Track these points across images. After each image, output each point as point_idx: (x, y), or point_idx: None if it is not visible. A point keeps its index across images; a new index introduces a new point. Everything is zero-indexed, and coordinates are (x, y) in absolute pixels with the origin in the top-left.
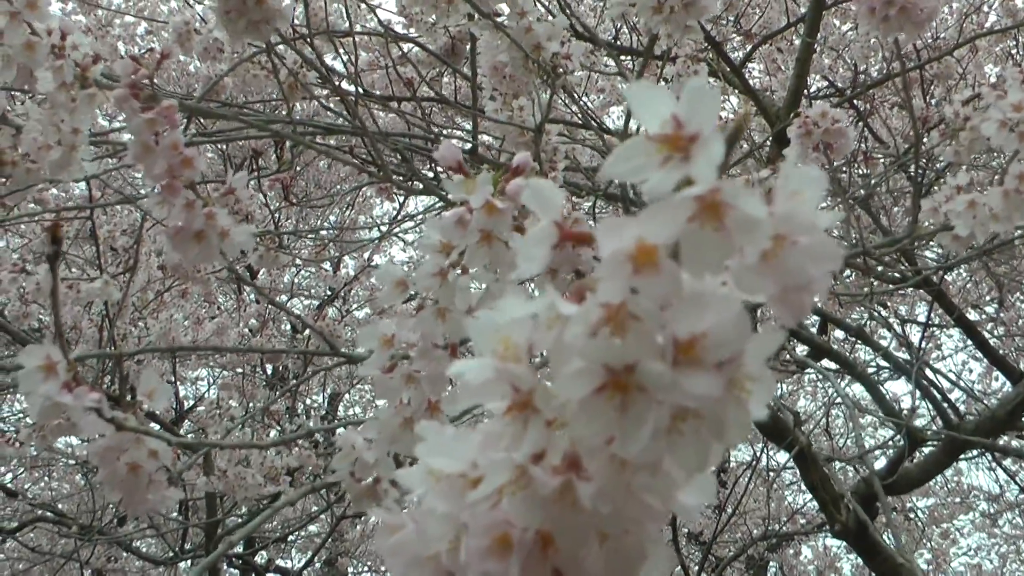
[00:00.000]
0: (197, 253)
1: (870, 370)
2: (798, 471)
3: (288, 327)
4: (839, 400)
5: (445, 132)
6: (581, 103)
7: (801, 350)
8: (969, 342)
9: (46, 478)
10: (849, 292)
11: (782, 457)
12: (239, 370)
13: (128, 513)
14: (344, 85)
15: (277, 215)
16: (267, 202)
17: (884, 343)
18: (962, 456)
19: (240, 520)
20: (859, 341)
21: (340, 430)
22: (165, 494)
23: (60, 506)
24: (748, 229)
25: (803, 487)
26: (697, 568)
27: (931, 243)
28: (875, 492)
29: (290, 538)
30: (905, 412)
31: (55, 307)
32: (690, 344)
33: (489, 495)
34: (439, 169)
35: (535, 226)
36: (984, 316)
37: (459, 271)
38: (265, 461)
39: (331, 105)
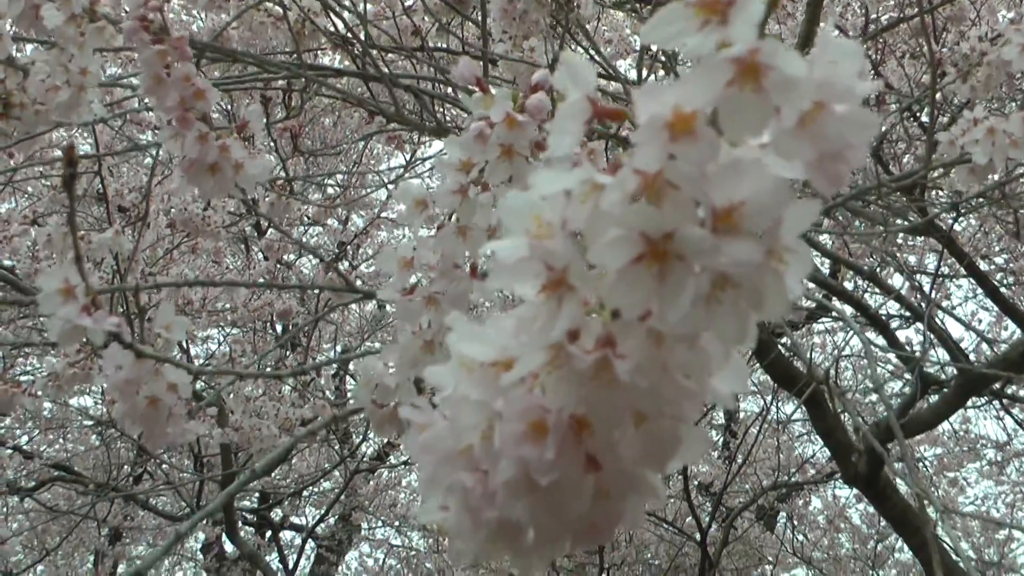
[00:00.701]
0: (212, 186)
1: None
2: (809, 419)
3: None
4: (848, 353)
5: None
6: (593, 45)
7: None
8: (979, 291)
9: (61, 440)
10: (862, 233)
11: (791, 411)
12: (249, 326)
13: (148, 447)
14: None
15: (286, 164)
16: (277, 149)
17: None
18: (971, 404)
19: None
20: (871, 285)
21: (364, 358)
22: (185, 427)
23: (76, 468)
24: (787, 89)
25: (812, 438)
26: (708, 518)
27: (940, 192)
28: (886, 436)
29: (304, 495)
30: (918, 352)
31: (72, 232)
32: (728, 212)
33: (523, 378)
34: (449, 115)
35: (567, 100)
36: (994, 266)
37: (480, 188)
38: (280, 412)
39: (341, 45)
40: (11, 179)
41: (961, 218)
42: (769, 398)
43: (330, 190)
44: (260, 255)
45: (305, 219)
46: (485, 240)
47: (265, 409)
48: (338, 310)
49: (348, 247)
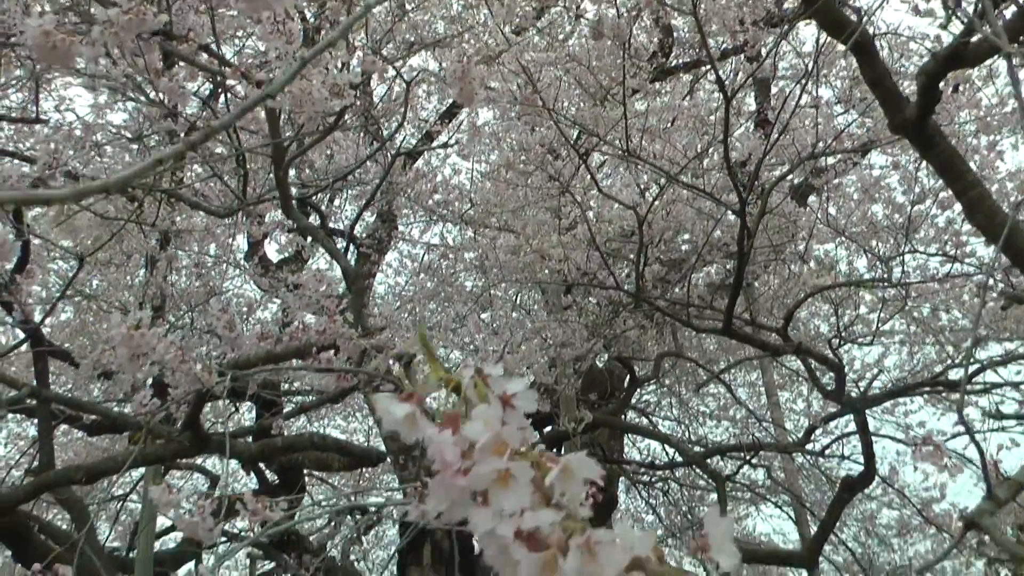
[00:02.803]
0: None
1: None
2: (857, 67)
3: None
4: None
5: None
6: None
7: None
8: None
9: (97, 158)
10: None
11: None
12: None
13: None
14: None
15: None
16: None
17: None
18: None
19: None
20: None
21: None
22: None
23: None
24: None
25: (847, 117)
26: (745, 192)
27: None
28: (941, 68)
29: (345, 194)
30: None
31: None
32: None
33: None
34: None
35: None
36: None
37: None
38: (327, 77)
39: None
40: None
41: None
42: (809, 63)
43: None
44: None
45: None
46: None
47: (312, 74)
48: None
49: None
